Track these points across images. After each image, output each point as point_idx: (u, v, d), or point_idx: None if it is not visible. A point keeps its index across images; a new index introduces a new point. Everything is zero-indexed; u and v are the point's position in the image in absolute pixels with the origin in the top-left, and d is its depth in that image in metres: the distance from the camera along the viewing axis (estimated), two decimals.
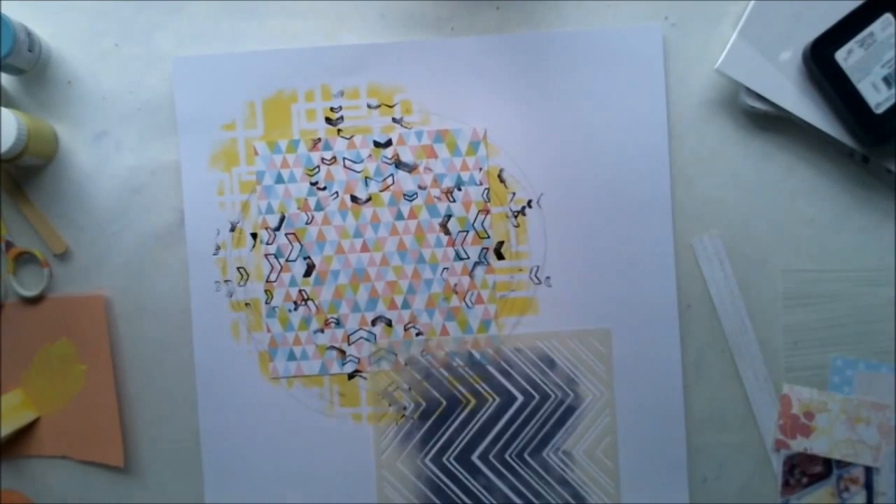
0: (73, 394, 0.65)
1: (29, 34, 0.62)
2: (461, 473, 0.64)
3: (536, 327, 0.64)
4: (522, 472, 0.64)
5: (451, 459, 0.64)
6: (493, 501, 0.64)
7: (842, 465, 0.63)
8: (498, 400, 0.64)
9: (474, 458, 0.64)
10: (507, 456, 0.64)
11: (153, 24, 0.65)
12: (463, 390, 0.64)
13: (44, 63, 0.64)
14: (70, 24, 0.65)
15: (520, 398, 0.64)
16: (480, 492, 0.64)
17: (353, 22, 0.64)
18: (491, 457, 0.64)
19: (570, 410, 0.64)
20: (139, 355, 0.65)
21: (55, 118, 0.65)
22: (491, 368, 0.64)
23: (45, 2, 0.65)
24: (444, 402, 0.64)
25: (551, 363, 0.64)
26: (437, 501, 0.64)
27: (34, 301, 0.65)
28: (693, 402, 0.64)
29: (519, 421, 0.64)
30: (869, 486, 0.63)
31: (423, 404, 0.64)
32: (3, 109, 0.59)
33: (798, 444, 0.63)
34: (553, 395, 0.64)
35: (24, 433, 0.65)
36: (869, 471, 0.63)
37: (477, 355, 0.64)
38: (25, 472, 0.65)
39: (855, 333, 0.64)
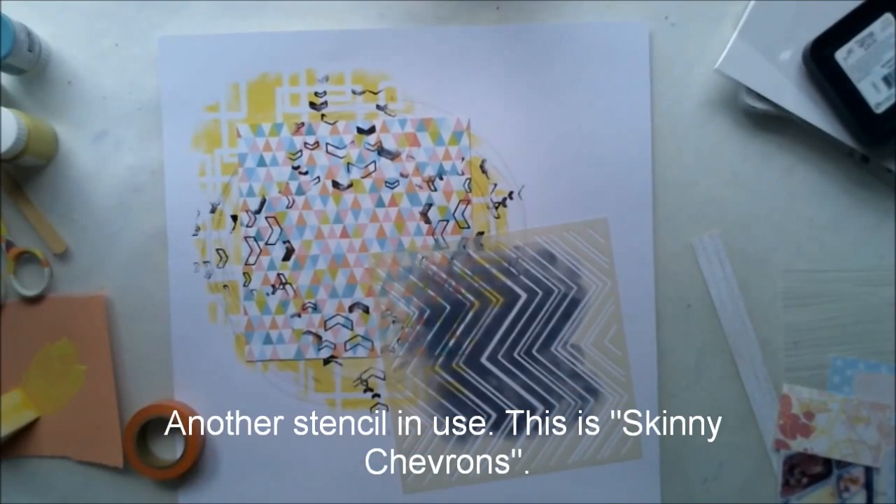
0: (73, 394, 0.65)
1: (29, 34, 0.62)
2: (472, 377, 0.64)
3: None
4: (533, 370, 0.64)
5: (461, 364, 0.64)
6: (507, 401, 0.64)
7: (842, 465, 0.63)
8: (502, 299, 0.64)
9: (483, 360, 0.64)
10: (516, 355, 0.64)
11: (153, 24, 0.65)
12: (466, 293, 0.64)
13: (44, 63, 0.64)
14: (70, 24, 0.65)
15: (523, 295, 0.64)
16: (493, 393, 0.64)
17: (353, 22, 0.64)
18: (500, 357, 0.64)
19: (575, 303, 0.64)
20: (139, 355, 0.65)
21: (55, 118, 0.65)
22: (492, 268, 0.64)
23: (45, 2, 0.65)
24: (448, 307, 0.64)
25: (551, 258, 0.64)
26: (451, 407, 0.64)
27: (34, 301, 0.65)
28: (693, 401, 0.64)
29: (524, 318, 0.64)
30: (869, 486, 0.63)
31: (427, 310, 0.64)
32: (3, 109, 0.59)
33: (798, 444, 0.63)
34: (556, 290, 0.64)
35: (24, 433, 0.65)
36: (869, 471, 0.63)
37: (477, 257, 0.64)
38: (25, 472, 0.65)
39: (855, 333, 0.64)
